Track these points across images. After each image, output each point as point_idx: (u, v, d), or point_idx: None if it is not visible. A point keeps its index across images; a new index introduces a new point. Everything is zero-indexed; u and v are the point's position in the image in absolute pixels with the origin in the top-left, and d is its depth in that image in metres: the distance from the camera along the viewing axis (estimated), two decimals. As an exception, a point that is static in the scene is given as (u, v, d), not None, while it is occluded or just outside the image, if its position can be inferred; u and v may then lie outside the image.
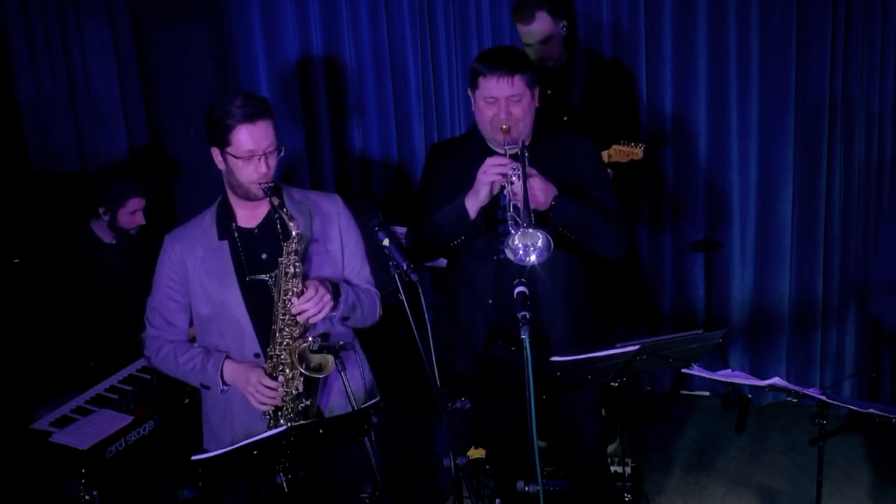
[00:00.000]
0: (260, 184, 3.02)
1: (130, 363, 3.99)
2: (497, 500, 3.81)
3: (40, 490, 3.77)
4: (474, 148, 3.37)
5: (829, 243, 4.86)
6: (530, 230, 3.00)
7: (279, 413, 3.09)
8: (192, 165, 5.08)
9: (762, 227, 4.93)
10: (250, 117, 2.99)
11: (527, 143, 3.23)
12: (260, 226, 3.16)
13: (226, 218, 3.16)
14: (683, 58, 4.81)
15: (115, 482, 3.78)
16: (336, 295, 3.08)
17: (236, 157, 3.01)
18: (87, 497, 3.54)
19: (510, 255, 3.03)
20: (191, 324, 3.26)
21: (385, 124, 5.32)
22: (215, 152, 3.07)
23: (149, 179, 4.41)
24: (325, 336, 3.13)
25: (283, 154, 3.09)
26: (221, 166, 3.09)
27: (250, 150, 3.00)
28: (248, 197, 3.08)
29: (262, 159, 3.02)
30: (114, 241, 4.31)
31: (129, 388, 3.84)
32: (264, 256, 3.12)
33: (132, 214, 4.23)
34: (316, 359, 3.07)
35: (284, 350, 3.07)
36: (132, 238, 4.31)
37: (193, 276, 3.14)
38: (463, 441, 4.28)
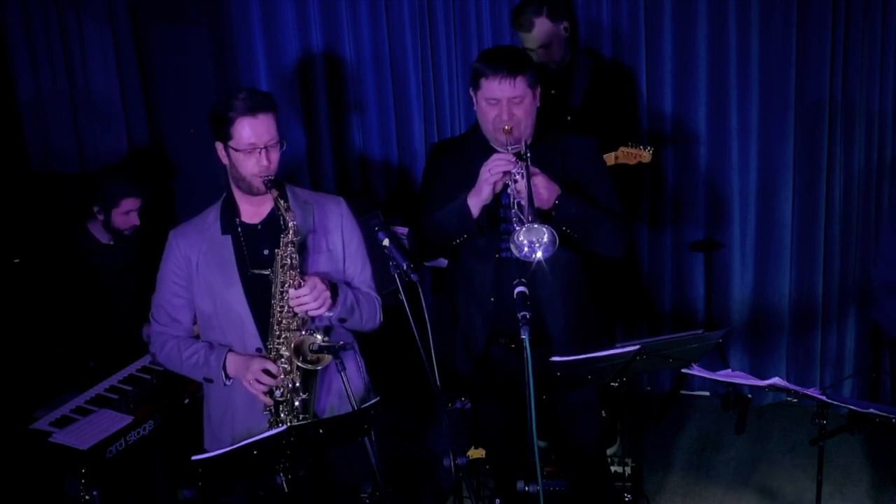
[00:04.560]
0: (262, 177, 3.03)
1: (130, 363, 3.99)
2: (497, 500, 3.81)
3: (40, 490, 3.77)
4: (475, 147, 3.37)
5: (829, 243, 4.87)
6: (535, 226, 3.00)
7: (280, 408, 3.10)
8: (192, 165, 5.08)
9: (762, 227, 4.93)
10: (251, 110, 3.01)
11: (528, 143, 3.24)
12: (263, 221, 3.17)
13: (230, 213, 3.18)
14: (683, 58, 4.81)
15: (115, 482, 3.78)
16: (334, 294, 3.08)
17: (238, 151, 3.03)
18: (87, 497, 3.54)
19: (515, 251, 3.03)
20: (195, 322, 3.26)
21: (385, 124, 5.32)
22: (219, 146, 3.09)
23: (145, 180, 4.41)
24: (326, 330, 3.13)
25: (284, 148, 3.10)
26: (225, 160, 3.11)
27: (251, 143, 3.01)
28: (250, 191, 3.10)
29: (264, 153, 3.03)
30: (111, 242, 4.31)
31: (129, 388, 3.84)
32: (266, 252, 3.13)
33: (126, 215, 4.23)
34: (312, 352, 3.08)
35: (283, 343, 3.07)
36: (129, 238, 4.31)
37: (197, 272, 3.15)
38: (463, 441, 4.28)
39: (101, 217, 4.25)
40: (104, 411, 3.70)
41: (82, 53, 5.44)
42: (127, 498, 4.00)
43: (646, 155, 4.37)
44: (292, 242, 3.02)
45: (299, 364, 3.05)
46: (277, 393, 3.09)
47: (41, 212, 5.11)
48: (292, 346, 3.05)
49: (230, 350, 3.15)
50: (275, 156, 3.06)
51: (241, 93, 3.06)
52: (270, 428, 3.06)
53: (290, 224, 3.01)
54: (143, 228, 4.31)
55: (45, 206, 5.17)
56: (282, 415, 3.09)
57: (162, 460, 4.07)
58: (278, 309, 3.06)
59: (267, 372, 3.05)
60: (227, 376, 3.14)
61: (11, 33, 5.46)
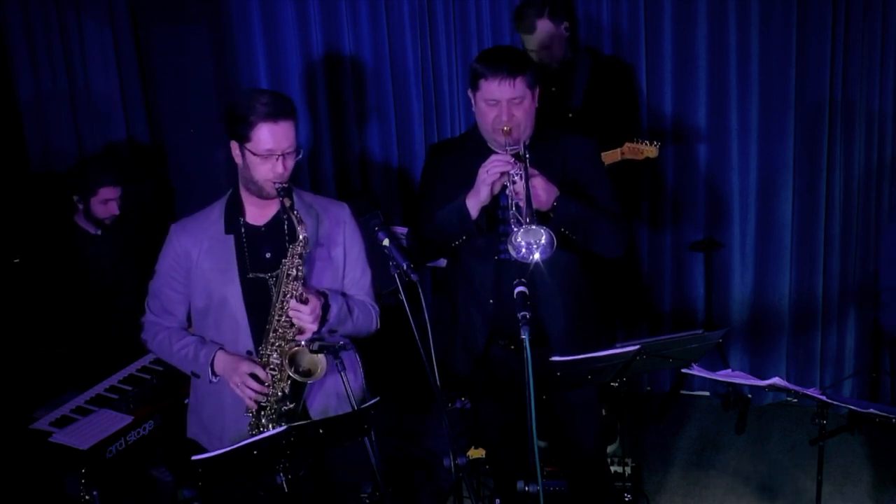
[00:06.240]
0: (274, 183, 3.03)
1: (130, 363, 3.99)
2: (497, 500, 3.81)
3: (40, 490, 3.77)
4: (474, 148, 3.37)
5: (829, 243, 4.87)
6: (533, 227, 3.00)
7: (262, 413, 3.10)
8: (192, 165, 5.08)
9: (762, 227, 4.93)
10: (273, 116, 3.00)
11: (527, 143, 3.24)
12: (268, 224, 3.17)
13: (234, 212, 3.18)
14: (683, 58, 4.81)
15: (115, 482, 3.78)
16: (324, 318, 3.09)
17: (255, 154, 3.02)
18: (87, 497, 3.54)
19: (513, 253, 3.03)
20: (190, 323, 3.27)
21: (385, 124, 5.32)
22: (234, 146, 3.08)
23: (123, 168, 4.41)
24: (320, 339, 3.13)
25: (301, 157, 3.09)
26: (238, 160, 3.10)
27: (269, 149, 3.01)
28: (260, 195, 3.10)
29: (280, 159, 3.03)
30: (98, 233, 4.32)
31: (129, 388, 3.84)
32: (268, 255, 3.14)
33: (104, 204, 4.24)
34: (306, 364, 3.08)
35: (275, 351, 3.07)
36: (115, 228, 4.31)
37: (196, 267, 3.15)
38: (463, 441, 4.29)
39: (80, 206, 4.26)
40: (104, 411, 3.70)
41: (82, 53, 5.43)
42: (127, 498, 4.00)
43: (652, 150, 4.36)
44: (300, 255, 3.03)
45: (291, 374, 3.04)
46: (262, 399, 3.08)
47: (41, 212, 5.11)
48: (287, 356, 3.05)
49: (221, 348, 3.15)
50: (290, 163, 3.06)
51: (263, 95, 3.04)
52: (251, 432, 3.07)
53: (302, 236, 3.01)
54: (129, 220, 4.31)
55: (44, 206, 5.16)
56: (263, 420, 3.09)
57: (162, 460, 4.08)
58: (277, 317, 3.06)
59: (254, 377, 3.05)
60: (214, 374, 3.14)
61: (11, 33, 5.46)
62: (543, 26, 4.42)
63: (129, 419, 3.66)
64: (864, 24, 4.56)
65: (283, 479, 2.91)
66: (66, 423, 3.63)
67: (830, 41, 4.60)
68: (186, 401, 3.78)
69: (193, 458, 2.73)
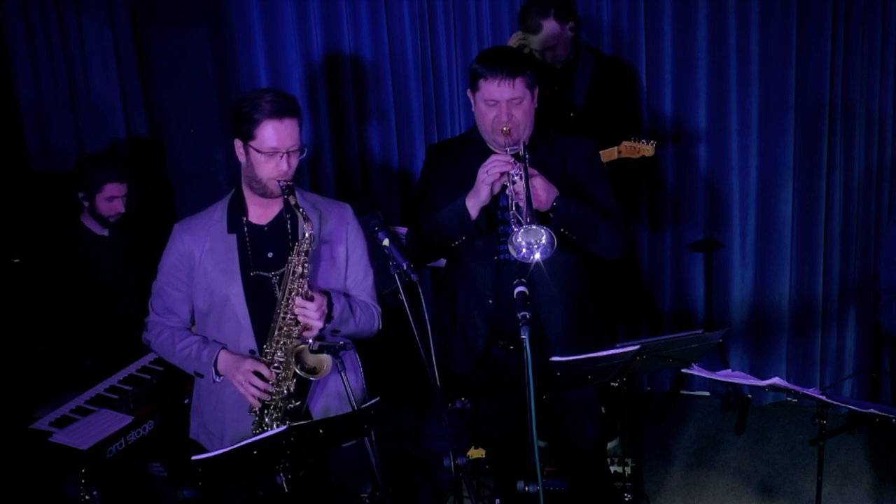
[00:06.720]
0: (278, 182, 3.03)
1: (130, 363, 3.99)
2: (497, 500, 3.82)
3: (40, 490, 3.77)
4: (473, 148, 3.37)
5: (829, 243, 4.87)
6: (534, 227, 3.00)
7: (265, 412, 3.10)
8: (192, 166, 5.08)
9: (762, 227, 4.94)
10: (278, 114, 3.01)
11: (526, 144, 3.24)
12: (270, 224, 3.18)
13: (237, 212, 3.18)
14: (683, 58, 4.81)
15: (115, 482, 3.78)
16: (329, 316, 3.10)
17: (259, 152, 3.03)
18: (87, 497, 3.54)
19: (513, 253, 3.03)
20: (193, 323, 3.27)
21: (385, 124, 5.32)
22: (238, 144, 3.09)
23: (128, 166, 4.40)
24: (321, 339, 3.13)
25: (304, 156, 3.10)
26: (242, 159, 3.11)
27: (273, 147, 3.02)
28: (264, 193, 3.10)
29: (284, 158, 3.04)
30: (105, 233, 4.32)
31: (129, 388, 3.84)
32: (271, 255, 3.14)
33: (110, 201, 4.24)
34: (311, 361, 3.08)
35: (280, 349, 3.08)
36: (122, 228, 4.31)
37: (199, 267, 3.16)
38: (463, 441, 4.29)
39: (86, 204, 4.26)
40: (104, 411, 3.70)
41: (82, 53, 5.43)
42: (127, 498, 4.00)
43: (648, 149, 4.37)
44: (306, 252, 3.03)
45: (297, 371, 3.05)
46: (266, 397, 3.09)
47: (41, 212, 5.11)
48: (293, 354, 3.05)
49: (223, 348, 3.16)
50: (294, 161, 3.07)
51: (267, 94, 3.05)
52: (254, 430, 3.07)
53: (308, 234, 3.01)
54: (138, 221, 4.31)
55: (45, 205, 5.17)
56: (266, 419, 3.09)
57: (162, 460, 4.07)
58: (282, 314, 3.07)
59: (258, 374, 3.06)
60: (217, 373, 3.14)
61: (11, 33, 5.46)
62: (549, 26, 4.42)
63: (129, 419, 3.66)
64: (864, 24, 4.56)
65: (283, 479, 2.91)
66: (66, 423, 3.64)
67: (830, 41, 4.60)
68: (186, 401, 3.80)
69: (193, 458, 2.74)
